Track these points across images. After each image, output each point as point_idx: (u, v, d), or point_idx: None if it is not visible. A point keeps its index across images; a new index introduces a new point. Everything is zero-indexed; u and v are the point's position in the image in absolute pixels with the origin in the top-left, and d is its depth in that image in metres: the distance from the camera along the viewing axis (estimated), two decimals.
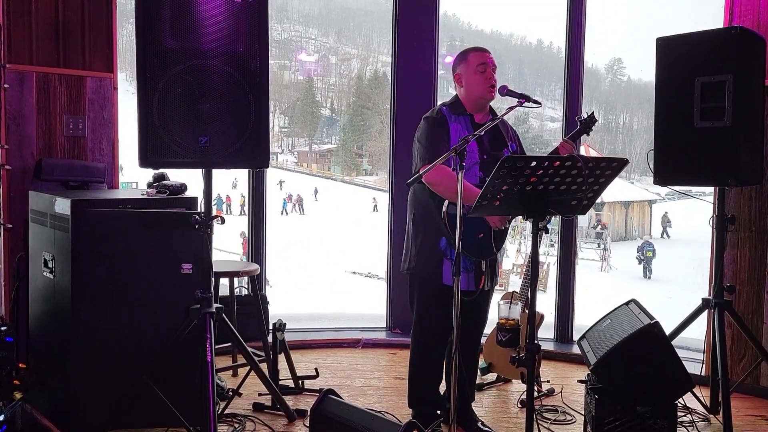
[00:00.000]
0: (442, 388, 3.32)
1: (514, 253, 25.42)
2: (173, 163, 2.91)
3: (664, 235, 35.47)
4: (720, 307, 3.46)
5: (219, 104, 2.89)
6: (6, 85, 3.65)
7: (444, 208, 2.97)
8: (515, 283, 19.41)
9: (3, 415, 2.82)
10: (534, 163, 2.42)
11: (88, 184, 3.81)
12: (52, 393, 3.23)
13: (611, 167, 2.55)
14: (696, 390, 3.29)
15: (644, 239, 30.42)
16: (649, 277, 25.76)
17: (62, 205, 3.06)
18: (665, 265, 25.72)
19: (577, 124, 3.36)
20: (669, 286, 22.88)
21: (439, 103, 3.50)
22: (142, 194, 3.34)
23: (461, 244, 2.60)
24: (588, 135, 3.43)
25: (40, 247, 3.29)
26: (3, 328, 3.03)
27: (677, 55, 3.43)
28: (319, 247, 29.47)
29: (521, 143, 3.40)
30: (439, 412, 3.29)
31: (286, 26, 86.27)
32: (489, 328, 3.72)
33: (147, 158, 2.85)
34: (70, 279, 3.00)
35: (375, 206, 42.89)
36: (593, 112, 3.36)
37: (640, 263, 26.53)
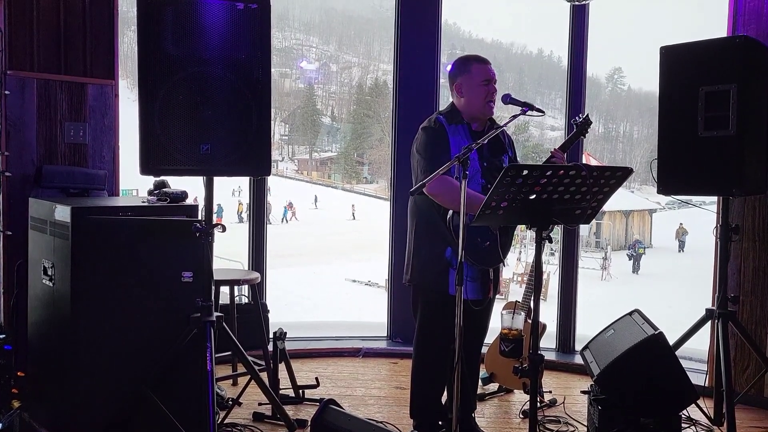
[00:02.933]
0: (444, 398, 3.29)
1: (514, 262, 25.38)
2: (174, 171, 2.89)
3: (681, 249, 33.27)
4: (724, 317, 3.43)
5: (220, 111, 2.88)
6: (7, 92, 3.64)
7: (448, 217, 2.95)
8: (515, 292, 19.41)
9: (1, 424, 2.79)
10: (537, 172, 2.41)
11: (88, 191, 3.80)
12: (50, 402, 3.20)
13: (615, 176, 2.53)
14: (700, 401, 3.26)
15: (635, 238, 31.13)
16: (638, 273, 28.31)
17: (62, 213, 3.04)
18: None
19: (573, 128, 3.38)
20: (656, 281, 24.65)
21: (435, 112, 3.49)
22: (143, 202, 3.32)
23: (467, 252, 2.59)
24: (584, 137, 3.45)
25: (40, 254, 3.27)
26: (2, 336, 3.02)
27: (681, 64, 3.42)
28: (318, 255, 29.43)
29: (515, 151, 3.39)
30: (441, 422, 3.26)
31: (287, 34, 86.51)
32: (491, 337, 3.70)
33: (148, 165, 2.83)
34: (69, 287, 2.98)
35: (353, 214, 42.48)
36: (587, 115, 3.40)
37: (630, 259, 29.02)
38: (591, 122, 3.38)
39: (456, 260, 2.95)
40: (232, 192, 39.80)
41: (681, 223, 33.58)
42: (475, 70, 3.15)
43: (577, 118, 3.40)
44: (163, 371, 2.99)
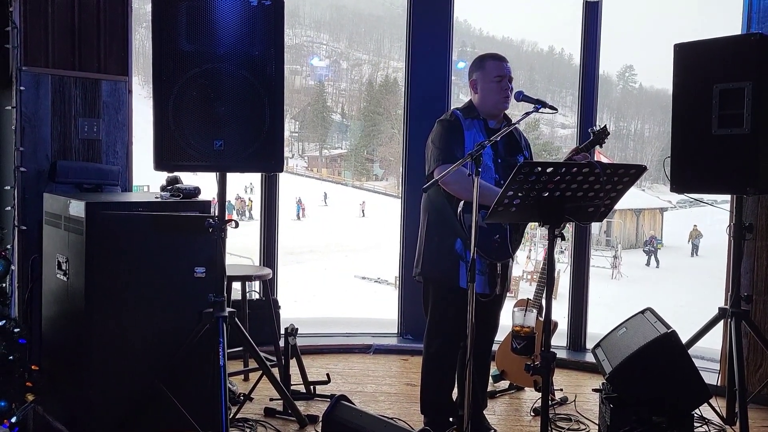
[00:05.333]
0: (454, 394, 3.30)
1: (524, 260, 25.33)
2: (188, 167, 2.92)
3: (694, 254, 31.79)
4: (737, 316, 3.42)
5: (234, 108, 2.88)
6: (22, 87, 3.66)
7: (459, 209, 2.95)
8: (525, 290, 19.38)
9: (15, 417, 2.82)
10: (551, 169, 2.41)
11: (102, 186, 3.82)
12: (64, 396, 3.23)
13: (629, 174, 2.53)
14: (712, 400, 3.24)
15: (652, 234, 32.15)
16: (658, 266, 29.92)
17: (76, 208, 3.06)
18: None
19: (590, 135, 3.36)
20: (667, 280, 25.48)
21: (452, 107, 3.49)
22: (156, 197, 3.34)
23: (476, 244, 2.59)
24: (601, 147, 3.43)
25: (54, 249, 3.30)
26: (16, 330, 3.04)
27: (695, 61, 3.40)
28: (328, 252, 29.47)
29: (532, 154, 3.38)
30: (451, 419, 3.26)
31: (297, 31, 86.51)
32: (502, 335, 3.70)
33: (162, 161, 2.84)
34: (83, 281, 3.00)
35: (363, 211, 42.39)
36: (605, 125, 3.36)
37: (647, 255, 30.72)
38: (608, 133, 3.34)
39: (466, 253, 2.96)
40: (244, 189, 39.91)
41: (695, 225, 32.31)
42: (489, 66, 3.17)
43: (594, 127, 3.38)
44: (175, 366, 3.01)
